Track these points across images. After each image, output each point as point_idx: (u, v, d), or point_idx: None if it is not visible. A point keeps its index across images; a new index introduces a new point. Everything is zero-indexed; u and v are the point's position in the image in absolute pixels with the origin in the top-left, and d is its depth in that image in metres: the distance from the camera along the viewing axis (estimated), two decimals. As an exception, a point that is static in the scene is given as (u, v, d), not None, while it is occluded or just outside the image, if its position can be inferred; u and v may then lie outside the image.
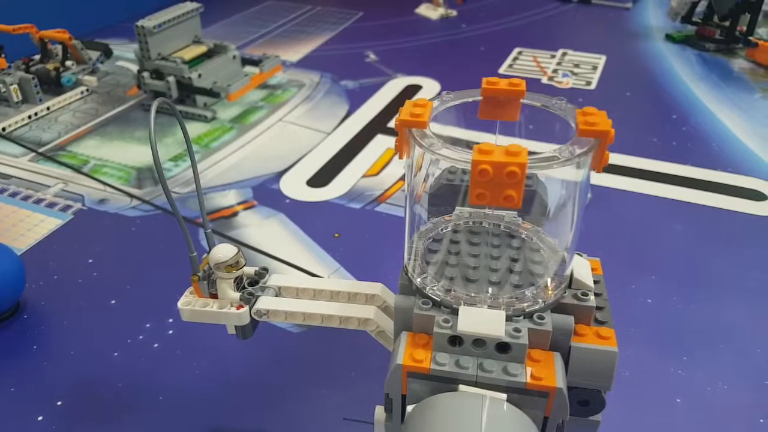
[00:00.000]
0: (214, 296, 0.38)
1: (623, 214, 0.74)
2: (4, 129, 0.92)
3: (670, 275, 0.63)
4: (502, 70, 1.14)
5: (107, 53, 1.14)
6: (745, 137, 0.90)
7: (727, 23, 1.21)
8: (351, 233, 0.70)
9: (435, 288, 0.32)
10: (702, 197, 0.76)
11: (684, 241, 0.69)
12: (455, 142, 0.35)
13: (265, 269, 0.40)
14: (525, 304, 0.31)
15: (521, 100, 0.33)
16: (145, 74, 0.96)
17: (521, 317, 0.30)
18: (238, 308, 0.38)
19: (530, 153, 0.26)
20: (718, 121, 0.95)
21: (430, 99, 0.32)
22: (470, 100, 0.33)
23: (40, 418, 0.48)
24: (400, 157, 0.31)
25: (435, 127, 0.32)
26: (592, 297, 0.32)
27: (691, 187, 0.78)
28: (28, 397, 0.50)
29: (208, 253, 0.38)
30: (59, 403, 0.49)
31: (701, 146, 0.88)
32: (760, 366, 0.53)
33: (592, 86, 1.07)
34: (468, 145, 0.35)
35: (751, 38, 1.18)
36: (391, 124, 0.94)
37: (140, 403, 0.50)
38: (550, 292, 0.31)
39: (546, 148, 0.27)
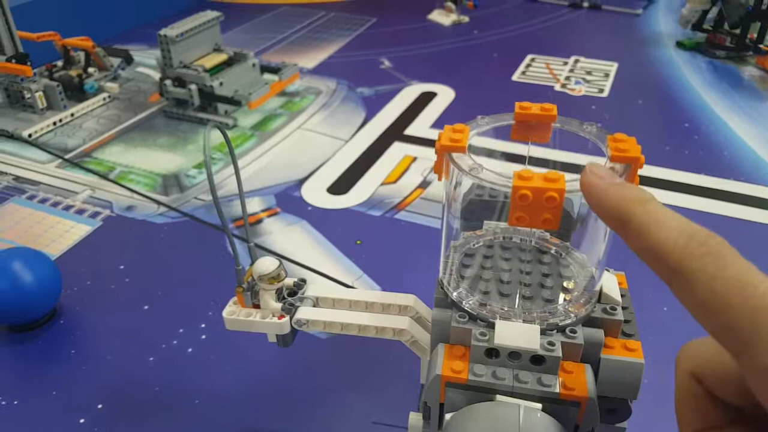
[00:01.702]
0: (257, 306, 0.40)
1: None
2: (30, 135, 0.95)
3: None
4: (515, 78, 1.16)
5: (128, 60, 1.16)
6: (756, 146, 0.92)
7: (737, 31, 1.22)
8: (372, 240, 0.72)
9: (470, 302, 0.34)
10: (715, 206, 0.78)
11: (698, 250, 0.70)
12: (490, 153, 0.37)
13: (304, 280, 0.42)
14: (558, 319, 0.33)
15: (552, 124, 0.34)
16: (168, 82, 0.98)
17: (554, 331, 0.32)
18: (279, 318, 0.39)
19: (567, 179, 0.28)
20: (729, 129, 0.97)
21: (467, 123, 0.34)
22: (504, 123, 0.35)
23: (82, 420, 0.50)
24: (439, 179, 0.33)
25: (477, 141, 0.34)
26: (620, 311, 0.34)
27: (704, 196, 0.80)
28: (70, 400, 0.52)
29: (252, 265, 0.40)
30: (100, 406, 0.52)
31: (713, 155, 0.89)
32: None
33: (605, 94, 1.08)
34: (503, 156, 0.37)
35: (761, 46, 1.20)
36: (408, 131, 0.96)
37: (177, 405, 0.52)
38: (581, 306, 0.33)
39: (579, 160, 0.29)
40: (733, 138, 0.94)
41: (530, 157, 0.38)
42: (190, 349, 0.57)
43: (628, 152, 0.30)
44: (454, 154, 0.32)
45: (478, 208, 0.39)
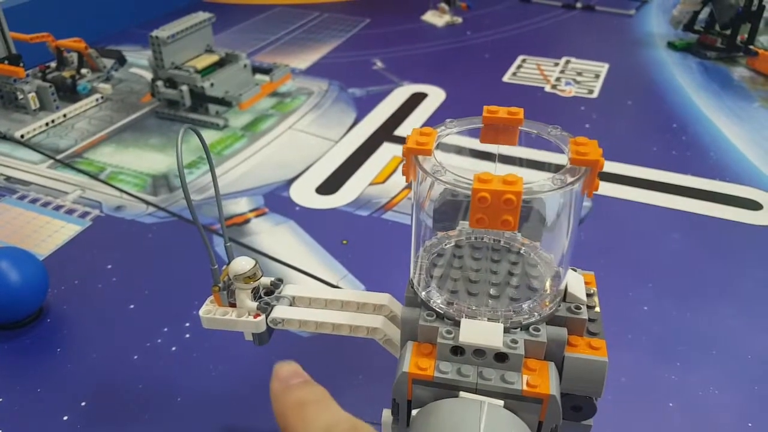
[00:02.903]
0: (233, 305, 0.41)
1: (622, 222, 0.76)
2: (22, 136, 0.95)
3: (667, 283, 0.66)
4: (506, 78, 1.16)
5: (121, 61, 1.17)
6: (743, 146, 0.92)
7: (728, 32, 1.23)
8: (359, 240, 0.72)
9: (438, 301, 0.35)
10: (700, 206, 0.78)
11: (681, 250, 0.71)
12: (460, 150, 0.37)
13: (280, 280, 0.43)
14: (522, 317, 0.33)
15: (519, 128, 0.35)
16: (159, 83, 0.99)
17: (518, 329, 0.33)
18: (255, 317, 0.40)
19: (527, 182, 0.29)
20: (717, 130, 0.97)
21: (435, 126, 0.35)
22: (472, 127, 0.36)
23: (65, 417, 0.51)
24: (407, 181, 0.34)
25: (447, 138, 0.35)
26: (585, 310, 0.34)
27: (689, 197, 0.80)
28: (54, 397, 0.53)
29: (228, 265, 0.40)
30: (83, 403, 0.52)
31: (700, 155, 0.90)
32: (751, 372, 0.55)
33: (594, 95, 1.09)
34: (472, 153, 0.38)
35: (751, 47, 1.20)
36: (399, 132, 0.97)
37: (159, 403, 0.52)
38: (545, 305, 0.34)
39: (547, 158, 0.30)
40: (721, 139, 0.95)
41: (500, 155, 0.38)
42: (174, 348, 0.57)
43: (588, 155, 0.30)
44: (420, 157, 0.32)
45: (452, 209, 0.40)
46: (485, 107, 0.35)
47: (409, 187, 0.82)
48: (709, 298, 0.64)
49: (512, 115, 0.35)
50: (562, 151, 0.33)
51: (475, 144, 0.37)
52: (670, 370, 0.56)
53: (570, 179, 0.30)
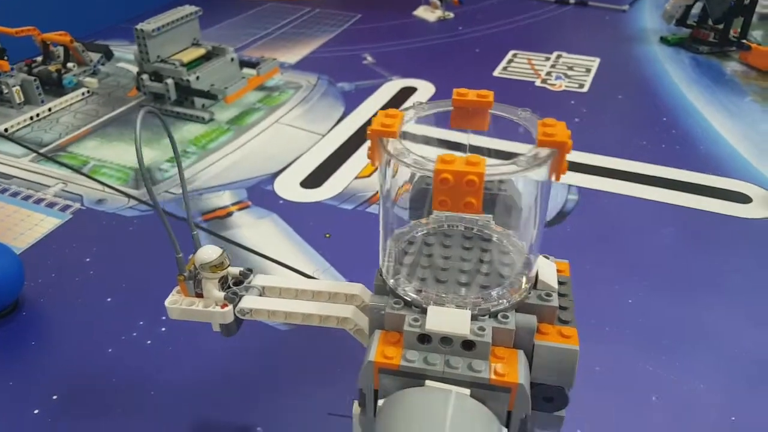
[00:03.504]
0: (200, 295, 0.40)
1: (610, 215, 0.75)
2: (6, 130, 0.94)
3: (654, 276, 0.65)
4: (496, 73, 1.15)
5: (108, 55, 1.16)
6: (734, 140, 0.91)
7: (720, 26, 1.22)
8: (342, 233, 0.72)
9: (407, 288, 0.34)
10: (689, 200, 0.78)
11: (669, 243, 0.70)
12: (428, 141, 0.37)
13: (250, 270, 0.42)
14: (490, 304, 0.32)
15: (489, 111, 0.34)
16: (145, 76, 0.98)
17: (486, 316, 0.32)
18: (222, 307, 0.39)
19: (491, 164, 0.28)
20: (707, 124, 0.96)
21: (404, 109, 0.34)
22: (441, 110, 0.35)
23: (36, 411, 0.50)
24: (372, 164, 0.33)
25: (416, 128, 0.34)
26: (556, 297, 0.33)
27: (678, 190, 0.79)
28: (26, 391, 0.52)
29: (194, 253, 0.39)
30: (54, 397, 0.51)
31: (689, 149, 0.89)
32: (738, 366, 0.55)
33: (585, 89, 1.08)
34: (440, 143, 0.37)
35: (744, 41, 1.19)
36: (385, 126, 0.96)
37: (132, 397, 0.51)
38: (514, 292, 0.33)
39: (517, 148, 0.29)
40: (711, 132, 0.94)
41: (470, 146, 0.37)
42: (149, 341, 0.57)
43: (555, 137, 0.29)
44: (385, 139, 0.32)
45: (425, 196, 0.39)
46: (455, 90, 0.35)
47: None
48: (697, 292, 0.63)
49: (482, 98, 0.34)
50: (533, 141, 0.32)
51: (444, 134, 0.36)
52: (655, 363, 0.55)
53: (535, 161, 0.29)
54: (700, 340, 0.57)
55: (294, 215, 0.75)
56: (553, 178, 0.30)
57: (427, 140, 0.36)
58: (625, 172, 0.83)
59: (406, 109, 0.34)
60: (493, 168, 0.28)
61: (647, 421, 0.50)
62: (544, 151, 0.29)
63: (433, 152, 0.34)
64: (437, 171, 0.28)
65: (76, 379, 0.53)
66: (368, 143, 0.32)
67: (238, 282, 0.41)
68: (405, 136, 0.33)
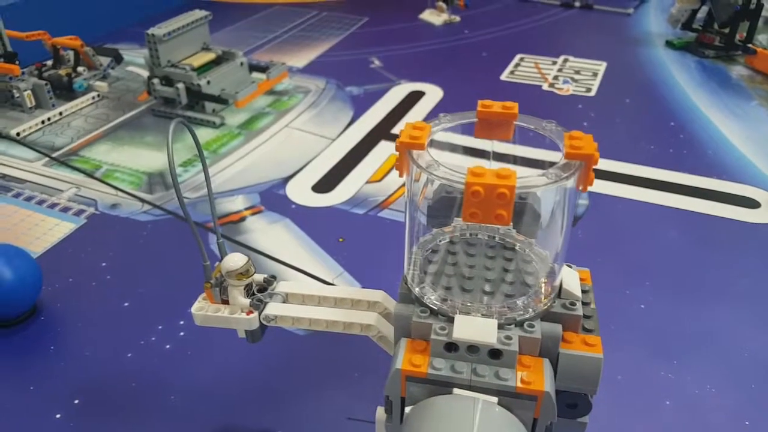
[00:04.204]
0: (226, 302, 0.41)
1: (620, 220, 0.76)
2: (18, 134, 0.95)
3: (664, 281, 0.65)
4: (503, 77, 1.16)
5: (118, 59, 1.16)
6: (741, 144, 0.92)
7: (726, 30, 1.23)
8: (355, 238, 0.72)
9: (432, 297, 0.34)
10: (697, 204, 0.78)
11: (678, 248, 0.71)
12: (453, 148, 0.37)
13: (273, 277, 0.42)
14: (516, 313, 0.33)
15: (514, 122, 0.35)
16: (155, 81, 0.99)
17: (513, 325, 0.33)
18: (248, 314, 0.40)
19: (521, 176, 0.28)
20: (714, 128, 0.97)
21: (429, 121, 0.34)
22: (466, 121, 0.35)
23: (58, 415, 0.51)
24: (401, 176, 0.33)
25: (441, 136, 0.34)
26: (580, 306, 0.34)
27: (686, 195, 0.80)
28: (46, 395, 0.53)
29: (221, 261, 0.40)
30: (76, 401, 0.52)
31: (697, 153, 0.90)
32: (747, 370, 0.55)
33: (592, 93, 1.09)
34: (465, 150, 0.38)
35: (750, 45, 1.20)
36: (395, 130, 0.96)
37: (152, 402, 0.52)
38: (540, 301, 0.34)
39: (541, 155, 0.30)
40: (719, 137, 0.95)
41: (494, 153, 0.38)
42: (168, 346, 0.57)
43: (583, 149, 0.30)
44: (414, 152, 0.32)
45: (447, 205, 0.40)
46: (480, 101, 0.35)
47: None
48: (706, 296, 0.63)
49: (507, 110, 0.34)
50: (557, 149, 0.32)
51: (468, 141, 0.36)
52: (667, 368, 0.55)
53: (564, 173, 0.29)
54: (711, 344, 0.58)
55: (307, 220, 0.76)
56: (580, 189, 0.31)
57: (453, 148, 0.36)
58: (635, 176, 0.84)
59: (431, 120, 0.35)
60: (523, 180, 0.29)
61: (661, 425, 0.50)
62: (572, 164, 0.30)
63: (459, 160, 0.35)
64: (468, 184, 0.28)
65: (97, 383, 0.54)
66: (395, 154, 0.32)
67: (263, 289, 0.42)
68: (431, 143, 0.34)
